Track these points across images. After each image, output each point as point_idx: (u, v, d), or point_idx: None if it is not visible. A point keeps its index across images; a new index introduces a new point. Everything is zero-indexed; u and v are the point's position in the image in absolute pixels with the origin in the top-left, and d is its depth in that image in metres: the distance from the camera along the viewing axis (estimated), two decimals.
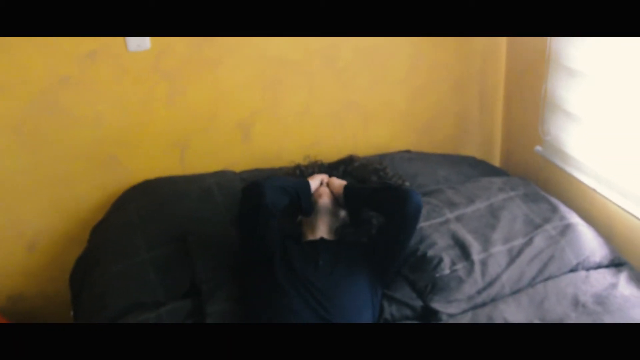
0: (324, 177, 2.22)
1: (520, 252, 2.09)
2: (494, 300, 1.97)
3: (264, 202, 1.89)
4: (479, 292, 1.97)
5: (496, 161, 3.03)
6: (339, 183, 2.17)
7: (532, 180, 2.57)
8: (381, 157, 2.59)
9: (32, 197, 2.40)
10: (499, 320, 1.87)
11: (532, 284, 2.03)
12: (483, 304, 1.96)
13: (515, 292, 2.01)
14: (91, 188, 2.47)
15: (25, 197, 2.40)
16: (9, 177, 2.35)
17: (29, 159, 2.35)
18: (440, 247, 2.08)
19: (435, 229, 2.16)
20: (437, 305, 1.93)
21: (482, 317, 1.88)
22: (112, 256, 2.17)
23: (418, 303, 1.96)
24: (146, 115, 2.43)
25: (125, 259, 2.13)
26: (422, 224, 2.17)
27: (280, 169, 2.51)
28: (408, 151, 2.74)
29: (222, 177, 2.47)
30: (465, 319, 1.89)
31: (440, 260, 2.03)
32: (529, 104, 2.69)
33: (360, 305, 1.85)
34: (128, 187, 2.47)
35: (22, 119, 2.28)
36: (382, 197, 2.02)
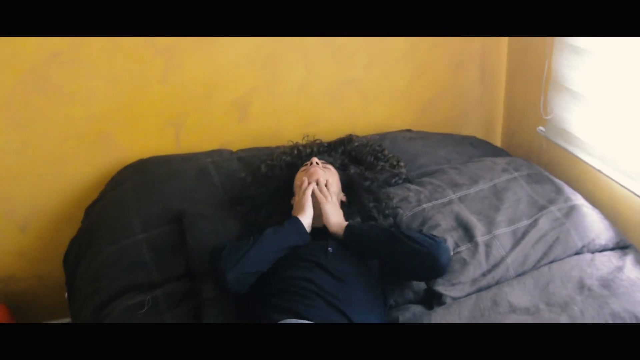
0: (313, 188, 1.99)
1: (524, 234, 2.04)
2: (498, 283, 1.93)
3: (231, 289, 1.76)
4: (484, 274, 1.93)
5: (497, 142, 2.98)
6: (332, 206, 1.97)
7: (534, 162, 2.52)
8: (382, 136, 2.55)
9: (23, 176, 2.36)
10: (503, 303, 1.82)
11: (536, 266, 1.99)
12: (487, 287, 1.92)
13: (519, 274, 1.96)
14: (84, 167, 2.43)
15: (16, 177, 2.35)
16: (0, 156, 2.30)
17: (18, 137, 2.30)
18: (443, 228, 2.03)
19: (438, 210, 2.11)
20: (440, 288, 1.89)
21: (486, 300, 1.84)
22: (106, 237, 2.13)
23: (421, 286, 1.92)
24: (140, 92, 2.38)
25: (119, 240, 2.09)
26: (425, 205, 2.13)
27: (278, 147, 2.46)
28: (409, 130, 2.69)
29: (218, 156, 2.42)
30: (469, 302, 1.84)
31: (444, 241, 1.98)
32: (532, 83, 2.64)
33: (370, 290, 1.80)
34: (122, 166, 2.42)
35: (12, 95, 2.23)
36: (405, 259, 1.80)
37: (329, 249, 1.83)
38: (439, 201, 2.16)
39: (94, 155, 2.42)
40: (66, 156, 2.38)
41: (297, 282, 1.72)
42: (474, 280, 1.92)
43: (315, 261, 1.78)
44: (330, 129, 2.64)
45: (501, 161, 2.41)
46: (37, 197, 2.41)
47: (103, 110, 2.36)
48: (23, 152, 2.32)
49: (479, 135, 2.86)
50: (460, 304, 1.84)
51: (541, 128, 2.58)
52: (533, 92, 2.63)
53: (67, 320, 2.38)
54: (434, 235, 1.83)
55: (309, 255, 1.81)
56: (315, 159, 2.09)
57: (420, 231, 1.97)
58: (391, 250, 1.80)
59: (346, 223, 1.91)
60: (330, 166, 2.12)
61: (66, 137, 2.35)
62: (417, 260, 1.77)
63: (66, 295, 2.29)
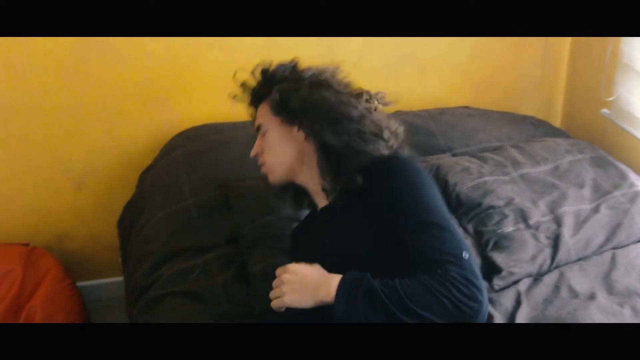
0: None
1: (587, 217, 1.99)
2: (558, 266, 1.89)
3: None
4: (543, 255, 1.88)
5: (556, 123, 2.91)
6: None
7: (596, 145, 2.45)
8: (440, 112, 2.51)
9: (79, 136, 2.38)
10: (564, 288, 1.78)
11: (599, 251, 1.95)
12: (548, 270, 1.88)
13: (581, 258, 1.92)
14: (139, 130, 2.44)
15: (73, 137, 2.37)
16: (56, 116, 2.32)
17: (76, 98, 2.31)
18: (503, 203, 1.99)
19: (499, 185, 2.06)
20: (499, 261, 1.84)
21: (548, 284, 1.80)
22: (158, 202, 2.14)
23: (478, 260, 1.88)
24: (197, 58, 2.37)
25: (170, 204, 2.11)
26: (486, 178, 2.08)
27: None
28: (467, 107, 2.64)
29: None
30: (527, 283, 1.81)
31: (504, 216, 1.95)
32: (596, 63, 2.56)
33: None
34: (176, 131, 2.41)
35: (69, 57, 2.24)
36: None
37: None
38: (500, 177, 2.11)
39: (149, 120, 2.43)
40: (121, 119, 2.39)
41: None
42: (533, 258, 1.87)
43: None
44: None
45: (564, 142, 2.35)
46: (93, 158, 2.43)
47: (159, 75, 2.36)
48: (79, 113, 2.33)
49: (538, 115, 2.79)
50: (521, 285, 1.80)
51: (605, 110, 2.50)
52: (597, 73, 2.55)
53: (119, 278, 2.41)
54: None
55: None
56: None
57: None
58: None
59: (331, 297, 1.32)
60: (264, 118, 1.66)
61: (122, 99, 2.36)
62: None
63: (120, 259, 2.32)
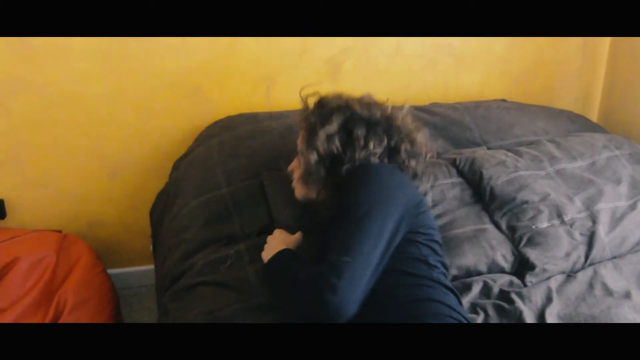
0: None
1: (623, 215, 1.95)
2: (592, 263, 1.85)
3: None
4: (578, 252, 1.85)
5: (593, 117, 2.86)
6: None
7: (635, 140, 2.40)
8: (476, 104, 2.48)
9: (115, 123, 2.39)
10: (598, 285, 1.75)
11: (634, 250, 1.91)
12: (581, 268, 1.84)
13: (615, 256, 1.88)
14: (175, 119, 2.44)
15: (109, 123, 2.38)
16: (94, 102, 2.33)
17: (114, 85, 2.32)
18: (538, 199, 1.96)
19: (535, 180, 2.03)
20: (533, 257, 1.81)
21: (581, 281, 1.76)
22: (191, 190, 2.14)
23: (509, 255, 1.85)
24: (234, 47, 2.36)
25: (204, 193, 2.10)
26: (522, 172, 2.05)
27: None
28: (504, 100, 2.60)
29: None
30: (559, 280, 1.78)
31: (539, 212, 1.91)
32: (637, 56, 2.50)
33: None
34: (212, 120, 2.41)
35: (110, 44, 2.25)
36: None
37: None
38: (536, 172, 2.07)
39: (185, 108, 2.43)
40: (158, 107, 2.40)
41: None
42: (567, 255, 1.84)
43: None
44: (422, 93, 2.60)
45: (602, 137, 2.30)
46: (128, 145, 2.44)
47: (196, 64, 2.36)
48: (117, 99, 2.34)
49: (575, 109, 2.75)
50: (548, 283, 1.77)
51: None
52: (637, 67, 2.50)
53: (150, 267, 2.41)
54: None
55: None
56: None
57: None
58: None
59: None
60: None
61: (159, 88, 2.36)
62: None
63: (151, 247, 2.32)
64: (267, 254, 1.67)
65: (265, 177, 2.06)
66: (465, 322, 1.47)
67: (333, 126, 1.68)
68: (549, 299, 1.70)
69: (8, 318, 2.07)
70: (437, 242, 1.60)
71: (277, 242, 1.72)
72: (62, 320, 2.15)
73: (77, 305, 2.20)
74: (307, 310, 1.42)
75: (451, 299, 1.50)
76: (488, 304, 1.69)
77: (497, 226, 1.94)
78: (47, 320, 2.13)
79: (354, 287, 1.36)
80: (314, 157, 1.67)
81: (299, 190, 1.80)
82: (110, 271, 2.48)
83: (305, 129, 1.75)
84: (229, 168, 2.15)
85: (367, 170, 1.60)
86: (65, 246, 2.35)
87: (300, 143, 1.77)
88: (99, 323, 2.23)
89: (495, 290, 1.74)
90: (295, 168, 1.81)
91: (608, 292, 1.73)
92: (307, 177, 1.72)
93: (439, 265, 1.55)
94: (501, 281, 1.78)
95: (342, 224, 1.47)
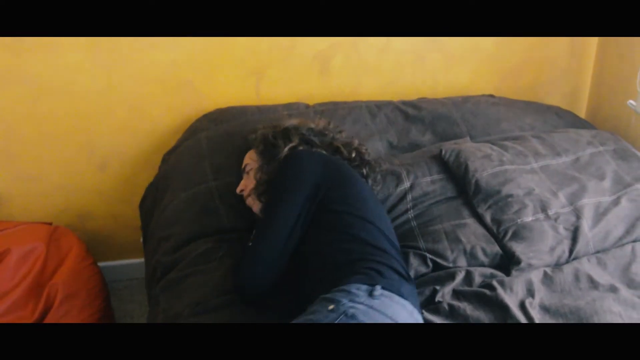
0: None
1: (607, 210, 1.97)
2: (575, 258, 1.87)
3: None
4: (562, 247, 1.87)
5: (581, 114, 2.88)
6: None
7: (621, 136, 2.42)
8: (464, 99, 2.49)
9: (105, 116, 2.40)
10: (583, 278, 1.77)
11: (618, 244, 1.93)
12: (566, 262, 1.86)
13: (599, 251, 1.91)
14: (164, 112, 2.45)
15: (99, 116, 2.39)
16: (83, 95, 2.34)
17: (103, 78, 2.33)
18: (523, 193, 1.98)
19: (519, 174, 2.05)
20: (518, 251, 1.83)
21: (567, 273, 1.78)
22: (180, 183, 2.16)
23: (494, 249, 1.87)
24: (224, 41, 2.37)
25: (193, 186, 2.12)
26: (507, 166, 2.06)
27: (356, 102, 2.44)
28: (492, 96, 2.62)
29: (294, 109, 2.40)
30: (542, 272, 1.80)
31: (524, 205, 1.93)
32: (626, 52, 2.52)
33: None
34: (201, 113, 2.43)
35: (100, 37, 2.25)
36: None
37: None
38: (521, 167, 2.09)
39: (174, 102, 2.44)
40: (147, 100, 2.41)
41: None
42: (552, 250, 1.86)
43: None
44: (411, 88, 2.61)
45: (586, 134, 2.32)
46: (118, 138, 2.45)
47: (186, 57, 2.37)
48: (107, 92, 2.35)
49: (563, 105, 2.76)
50: (537, 273, 1.79)
51: (632, 102, 2.46)
52: (627, 63, 2.52)
53: (140, 260, 2.43)
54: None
55: None
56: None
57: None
58: None
59: None
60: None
61: (149, 81, 2.37)
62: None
63: (141, 239, 2.34)
64: None
65: None
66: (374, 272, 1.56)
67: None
68: (530, 290, 1.72)
69: None
70: (363, 218, 1.69)
71: None
72: (52, 312, 2.16)
73: (68, 297, 2.22)
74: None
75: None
76: (470, 292, 1.71)
77: (481, 219, 1.96)
78: (38, 312, 2.15)
79: (256, 262, 1.62)
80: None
81: (253, 204, 1.92)
82: (100, 264, 2.49)
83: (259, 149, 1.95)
84: (217, 162, 2.16)
85: (283, 161, 1.82)
86: (55, 238, 2.36)
87: (251, 161, 1.95)
88: (86, 323, 2.25)
89: (477, 280, 1.77)
90: (246, 185, 1.94)
91: (593, 285, 1.75)
92: (260, 186, 1.87)
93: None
94: (482, 271, 1.81)
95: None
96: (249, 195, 1.93)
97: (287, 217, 1.66)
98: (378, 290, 1.47)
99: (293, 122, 1.98)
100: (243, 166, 1.98)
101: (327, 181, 1.72)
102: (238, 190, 1.96)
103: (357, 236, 1.63)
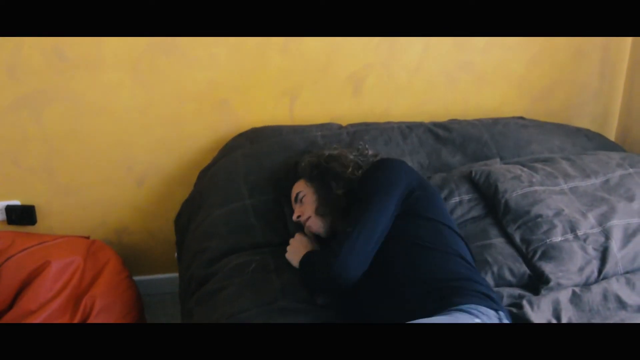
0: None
1: (636, 231, 1.98)
2: (605, 277, 1.89)
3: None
4: (591, 267, 1.89)
5: (611, 136, 2.89)
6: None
7: None
8: (494, 121, 2.52)
9: (144, 133, 2.46)
10: (611, 298, 1.78)
11: None
12: (594, 282, 1.88)
13: (628, 271, 1.92)
14: (201, 130, 2.51)
15: (138, 133, 2.45)
16: (124, 113, 2.41)
17: (143, 97, 2.40)
18: (552, 213, 2.00)
19: (549, 195, 2.07)
20: (547, 271, 1.86)
21: (595, 293, 1.80)
22: (216, 200, 2.20)
23: (522, 268, 1.90)
24: (260, 61, 2.43)
25: (228, 203, 2.17)
26: (537, 187, 2.09)
27: (388, 123, 2.48)
28: (521, 117, 2.64)
29: (327, 130, 2.43)
30: (570, 292, 1.81)
31: (553, 226, 1.96)
32: None
33: None
34: (236, 132, 2.48)
35: (141, 57, 2.33)
36: None
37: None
38: (550, 188, 2.11)
39: (211, 120, 2.49)
40: (185, 118, 2.47)
41: None
42: (581, 270, 1.88)
43: None
44: (441, 109, 2.64)
45: (616, 156, 2.33)
46: (155, 155, 2.51)
47: (223, 77, 2.43)
48: (146, 110, 2.42)
49: (593, 128, 2.78)
50: (568, 293, 1.80)
51: None
52: None
53: (174, 274, 2.47)
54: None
55: None
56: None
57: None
58: None
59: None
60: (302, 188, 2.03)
61: (187, 99, 2.43)
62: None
63: (176, 254, 2.38)
64: (293, 255, 1.92)
65: (285, 200, 2.13)
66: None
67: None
68: (556, 310, 1.74)
69: (37, 319, 2.15)
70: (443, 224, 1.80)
71: (299, 244, 1.94)
72: (89, 322, 2.22)
73: (104, 309, 2.28)
74: (318, 276, 1.74)
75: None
76: None
77: (509, 239, 1.99)
78: (76, 322, 2.20)
79: (354, 252, 1.66)
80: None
81: (317, 225, 1.94)
82: (135, 278, 2.54)
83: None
84: (252, 180, 2.21)
85: (373, 166, 1.91)
86: (93, 251, 2.42)
87: (302, 189, 2.00)
88: (124, 323, 2.30)
89: (506, 300, 1.80)
90: (304, 211, 1.96)
91: (621, 305, 1.77)
92: (323, 207, 1.93)
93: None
94: (510, 292, 1.84)
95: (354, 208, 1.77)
96: (308, 218, 1.95)
97: (384, 210, 1.74)
98: (501, 314, 1.58)
99: (332, 151, 2.05)
100: (294, 196, 2.01)
101: (417, 185, 1.83)
102: (294, 217, 1.98)
103: (457, 253, 1.73)
